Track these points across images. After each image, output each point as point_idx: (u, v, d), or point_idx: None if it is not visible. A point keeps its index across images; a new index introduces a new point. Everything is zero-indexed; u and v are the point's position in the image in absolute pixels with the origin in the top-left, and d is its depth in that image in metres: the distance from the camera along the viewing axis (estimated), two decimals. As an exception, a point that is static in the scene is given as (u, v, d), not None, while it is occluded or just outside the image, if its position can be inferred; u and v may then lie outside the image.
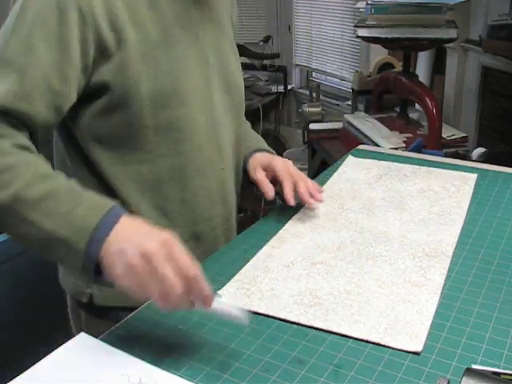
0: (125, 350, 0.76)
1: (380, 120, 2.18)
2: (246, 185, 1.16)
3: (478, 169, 1.32)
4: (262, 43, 3.47)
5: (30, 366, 0.73)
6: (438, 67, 2.47)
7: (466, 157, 1.93)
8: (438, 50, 2.40)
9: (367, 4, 2.01)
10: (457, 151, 1.98)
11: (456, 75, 2.33)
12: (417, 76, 2.23)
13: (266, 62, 3.51)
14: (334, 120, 2.54)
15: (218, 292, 0.88)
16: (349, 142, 2.14)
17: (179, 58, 0.93)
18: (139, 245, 0.70)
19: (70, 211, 0.74)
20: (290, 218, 1.11)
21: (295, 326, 0.81)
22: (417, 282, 0.89)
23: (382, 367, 0.72)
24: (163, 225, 0.97)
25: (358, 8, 2.25)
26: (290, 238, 1.04)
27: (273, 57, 3.50)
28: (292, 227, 1.08)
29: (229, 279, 0.92)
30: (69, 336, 0.79)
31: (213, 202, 1.03)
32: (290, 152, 3.38)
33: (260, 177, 1.09)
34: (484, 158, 1.88)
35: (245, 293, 0.88)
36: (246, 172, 1.13)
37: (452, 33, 1.94)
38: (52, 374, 0.72)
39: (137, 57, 0.88)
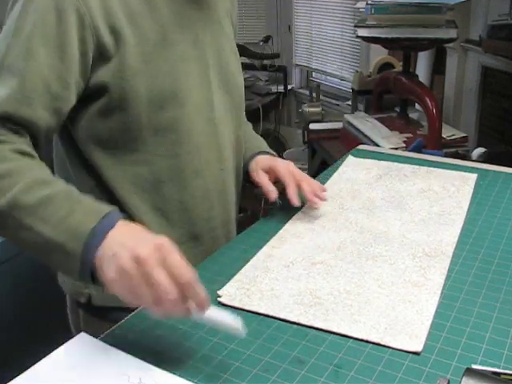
0: (125, 350, 0.76)
1: (380, 120, 2.18)
2: (246, 185, 1.16)
3: (478, 169, 1.32)
4: (262, 43, 3.47)
5: (30, 366, 0.73)
6: (438, 67, 2.47)
7: (466, 157, 1.93)
8: (438, 50, 2.40)
9: (367, 4, 2.01)
10: (457, 151, 1.98)
11: (456, 75, 2.33)
12: (417, 76, 2.23)
13: (266, 62, 3.51)
14: (334, 120, 2.54)
15: (218, 292, 0.88)
16: (349, 141, 2.14)
17: (178, 58, 0.93)
18: (132, 249, 0.69)
19: (66, 216, 0.74)
20: (289, 218, 1.11)
21: (295, 326, 0.81)
22: (417, 282, 0.89)
23: (382, 367, 0.72)
24: (162, 225, 0.98)
25: (358, 8, 2.25)
26: (290, 238, 1.04)
27: (273, 57, 3.50)
28: (292, 227, 1.08)
29: (229, 279, 0.92)
30: (69, 336, 0.79)
31: (212, 203, 1.03)
32: (289, 152, 3.38)
33: (263, 179, 1.10)
34: (484, 158, 1.88)
35: (245, 293, 0.88)
36: (247, 173, 1.14)
37: (452, 33, 1.94)
38: (52, 374, 0.72)
39: (135, 58, 0.88)
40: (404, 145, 1.93)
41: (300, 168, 1.14)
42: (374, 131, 2.07)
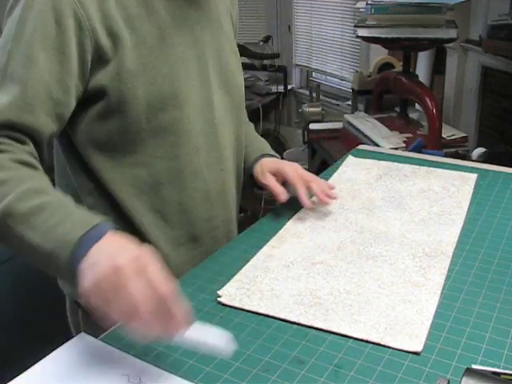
0: (125, 350, 0.76)
1: (380, 120, 2.18)
2: (246, 185, 1.16)
3: (478, 169, 1.32)
4: (262, 43, 3.47)
5: (30, 366, 0.73)
6: (438, 67, 2.47)
7: (466, 157, 1.93)
8: (438, 50, 2.40)
9: (367, 4, 2.01)
10: (457, 151, 1.99)
11: (456, 75, 2.33)
12: (417, 76, 2.24)
13: (266, 62, 3.51)
14: (334, 120, 2.54)
15: (218, 292, 0.88)
16: (349, 141, 2.14)
17: (177, 60, 0.93)
18: (112, 258, 0.67)
19: (55, 225, 0.73)
20: (289, 218, 1.11)
21: (295, 326, 0.81)
22: (417, 282, 0.89)
23: (382, 367, 0.72)
24: (161, 227, 0.98)
25: (358, 8, 2.25)
26: (290, 238, 1.04)
27: (273, 57, 3.50)
28: (292, 227, 1.08)
29: (229, 279, 0.92)
30: (68, 336, 0.79)
31: (212, 204, 1.03)
32: (289, 152, 3.38)
33: (270, 181, 1.10)
34: (484, 158, 1.88)
35: (245, 293, 0.88)
36: (251, 176, 1.14)
37: (452, 33, 1.94)
38: (52, 374, 0.72)
39: (133, 61, 0.88)
40: (404, 145, 1.93)
41: (300, 168, 1.15)
42: (374, 131, 2.07)
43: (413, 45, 2.06)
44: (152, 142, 0.93)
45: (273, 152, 1.20)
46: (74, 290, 0.72)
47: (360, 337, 0.77)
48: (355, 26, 2.12)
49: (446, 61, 2.39)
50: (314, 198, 1.12)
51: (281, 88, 3.64)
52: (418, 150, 1.77)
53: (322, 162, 2.42)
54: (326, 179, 1.28)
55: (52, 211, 0.75)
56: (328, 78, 3.52)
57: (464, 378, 0.63)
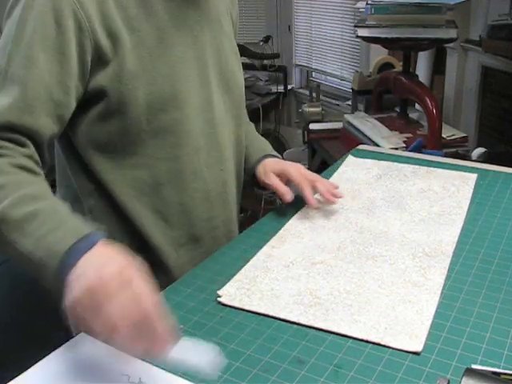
0: (125, 350, 0.76)
1: (380, 120, 2.18)
2: (247, 184, 1.16)
3: (478, 169, 1.32)
4: (262, 43, 3.47)
5: (30, 367, 0.73)
6: (438, 67, 2.47)
7: (466, 157, 1.93)
8: (438, 50, 2.40)
9: (367, 4, 2.01)
10: (457, 151, 1.99)
11: (456, 75, 2.33)
12: (417, 76, 2.24)
13: (266, 62, 3.51)
14: (334, 120, 2.54)
15: (218, 292, 0.88)
16: (349, 142, 2.14)
17: (177, 60, 0.93)
18: (98, 270, 0.66)
19: (47, 233, 0.72)
20: (290, 218, 1.11)
21: (295, 326, 0.81)
22: (417, 281, 0.89)
23: (382, 367, 0.72)
24: (161, 228, 0.98)
25: (358, 8, 2.25)
26: (290, 238, 1.04)
27: (273, 57, 3.50)
28: (292, 227, 1.08)
29: (229, 279, 0.92)
30: (68, 336, 0.79)
31: (212, 204, 1.03)
32: (289, 152, 3.38)
33: (274, 181, 1.10)
34: (484, 158, 1.88)
35: (245, 293, 0.88)
36: (253, 177, 1.14)
37: (452, 33, 1.94)
38: (52, 374, 0.72)
39: (133, 62, 0.88)
40: (404, 145, 1.93)
41: (300, 168, 1.15)
42: (374, 131, 2.07)
43: (413, 45, 2.06)
44: (152, 143, 0.93)
45: (274, 152, 1.20)
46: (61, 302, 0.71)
47: (360, 337, 0.77)
48: (355, 26, 2.12)
49: (446, 61, 2.39)
50: (317, 197, 1.12)
51: (281, 88, 3.64)
52: (417, 150, 1.77)
53: (322, 162, 2.42)
54: (326, 179, 1.28)
55: (44, 218, 0.74)
56: (328, 78, 3.52)
57: (464, 378, 0.63)
